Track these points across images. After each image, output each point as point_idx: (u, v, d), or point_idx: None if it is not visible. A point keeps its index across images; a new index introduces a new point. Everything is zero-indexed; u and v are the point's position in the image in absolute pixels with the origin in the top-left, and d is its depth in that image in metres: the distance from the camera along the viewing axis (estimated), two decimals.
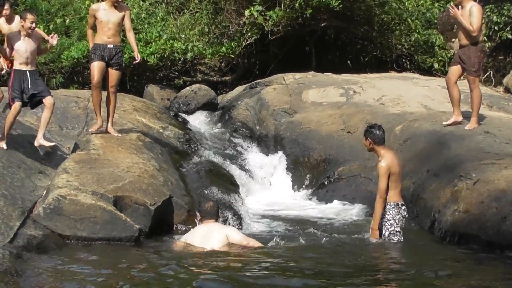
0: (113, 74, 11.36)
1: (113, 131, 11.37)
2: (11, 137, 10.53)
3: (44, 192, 9.29)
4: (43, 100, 10.31)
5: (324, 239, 9.04)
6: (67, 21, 19.91)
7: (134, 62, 11.70)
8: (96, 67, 11.23)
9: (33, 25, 10.40)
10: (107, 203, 8.97)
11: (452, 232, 8.94)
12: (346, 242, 8.99)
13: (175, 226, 9.66)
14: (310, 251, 8.55)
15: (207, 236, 8.44)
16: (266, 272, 7.35)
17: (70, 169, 9.69)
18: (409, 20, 20.13)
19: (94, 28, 11.54)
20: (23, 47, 10.36)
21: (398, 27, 20.47)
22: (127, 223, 8.85)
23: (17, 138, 10.58)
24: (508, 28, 17.45)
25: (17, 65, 10.36)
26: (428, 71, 19.59)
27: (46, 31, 19.16)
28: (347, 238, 9.17)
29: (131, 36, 11.59)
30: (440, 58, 19.82)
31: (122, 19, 11.34)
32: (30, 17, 10.36)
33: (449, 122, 11.37)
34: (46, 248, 8.16)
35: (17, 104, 10.17)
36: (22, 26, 10.37)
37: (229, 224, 9.83)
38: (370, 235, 8.89)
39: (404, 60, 20.95)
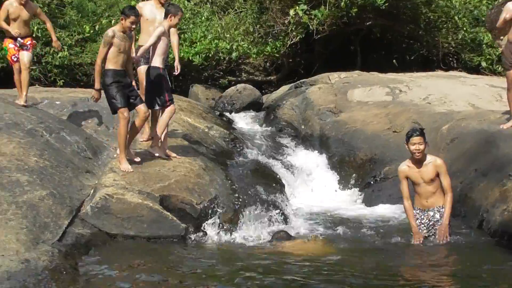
0: None
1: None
2: (59, 137, 10.64)
3: (92, 191, 9.36)
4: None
5: (375, 241, 9.00)
6: (113, 21, 20.04)
7: (173, 73, 10.77)
8: (143, 71, 10.69)
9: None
10: (154, 202, 9.01)
11: (501, 232, 8.83)
12: (394, 243, 8.93)
13: (221, 225, 9.67)
14: (356, 252, 8.51)
15: None
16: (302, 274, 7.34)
17: (117, 168, 9.76)
18: (456, 18, 19.94)
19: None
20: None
21: (445, 25, 20.31)
22: (174, 222, 8.90)
23: (65, 138, 10.67)
24: None
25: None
26: (475, 70, 19.41)
27: (92, 31, 19.40)
28: (395, 239, 9.10)
29: (174, 41, 10.80)
30: (488, 57, 19.62)
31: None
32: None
33: (509, 124, 10.96)
34: (94, 246, 8.24)
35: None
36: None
37: (273, 223, 9.84)
38: (443, 232, 8.78)
39: (450, 59, 20.79)
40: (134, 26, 9.71)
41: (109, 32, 9.67)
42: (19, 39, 11.56)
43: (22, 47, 11.61)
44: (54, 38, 12.09)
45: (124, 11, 9.73)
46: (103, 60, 9.68)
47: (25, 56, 11.62)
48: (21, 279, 6.71)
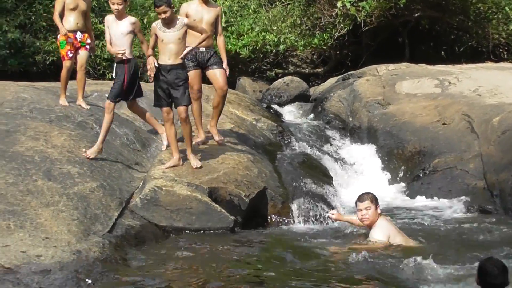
0: (217, 73, 10.38)
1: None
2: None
3: (141, 183, 9.43)
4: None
5: (424, 234, 8.94)
6: None
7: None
8: (192, 76, 10.16)
9: (115, 6, 9.45)
10: (203, 194, 9.05)
11: None
12: (445, 236, 8.87)
13: (269, 217, 9.68)
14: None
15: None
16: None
17: (166, 160, 9.81)
18: (507, 9, 19.65)
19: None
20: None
21: (495, 16, 20.05)
22: (222, 214, 8.92)
23: (115, 130, 10.76)
24: None
25: None
26: None
27: (141, 25, 19.50)
28: (445, 233, 9.04)
29: (221, 42, 10.65)
30: None
31: (216, 18, 10.45)
32: None
33: None
34: (144, 238, 8.30)
35: None
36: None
37: (321, 216, 9.83)
38: None
39: (501, 50, 20.52)
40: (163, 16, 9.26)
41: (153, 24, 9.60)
42: (78, 32, 11.09)
43: (81, 43, 11.15)
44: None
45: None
46: None
47: (83, 56, 11.25)
48: (72, 270, 6.78)
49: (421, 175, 11.88)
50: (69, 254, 7.05)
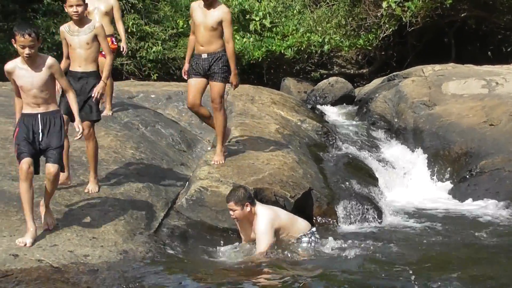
0: (215, 86, 9.58)
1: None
2: (154, 130, 10.79)
3: (187, 184, 9.46)
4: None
5: (470, 236, 8.86)
6: None
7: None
8: (191, 85, 9.70)
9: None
10: None
11: None
12: (495, 241, 8.77)
13: (314, 218, 9.64)
14: (452, 250, 8.39)
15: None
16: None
17: (211, 161, 9.83)
18: None
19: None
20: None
21: None
22: None
23: (160, 131, 10.81)
24: None
25: None
26: None
27: (185, 26, 19.64)
28: (494, 237, 8.93)
29: (229, 49, 9.46)
30: None
31: (219, 23, 9.37)
32: None
33: None
34: (190, 238, 8.32)
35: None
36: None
37: (367, 217, 9.79)
38: None
39: None
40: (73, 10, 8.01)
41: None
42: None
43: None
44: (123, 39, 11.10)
45: None
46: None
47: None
48: (119, 269, 6.84)
49: (467, 176, 11.76)
50: (116, 254, 7.11)
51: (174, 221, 8.56)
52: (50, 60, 7.04)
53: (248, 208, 7.91)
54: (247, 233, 8.14)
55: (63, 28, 8.17)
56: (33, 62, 6.94)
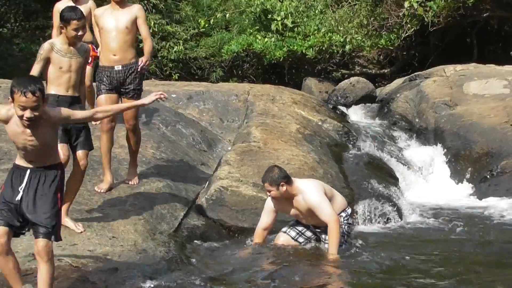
0: None
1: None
2: (175, 130, 10.83)
3: (207, 183, 9.49)
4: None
5: (502, 240, 8.82)
6: (227, 15, 20.29)
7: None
8: (102, 102, 8.33)
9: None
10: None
11: None
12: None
13: None
14: (472, 250, 8.37)
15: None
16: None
17: (232, 161, 9.86)
18: None
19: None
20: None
21: None
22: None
23: (181, 131, 10.85)
24: None
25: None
26: None
27: (207, 26, 19.69)
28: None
29: (147, 46, 8.50)
30: None
31: (133, 22, 8.36)
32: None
33: None
34: (209, 238, 8.36)
35: None
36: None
37: (387, 217, 9.78)
38: None
39: None
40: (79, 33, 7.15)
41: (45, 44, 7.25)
42: None
43: None
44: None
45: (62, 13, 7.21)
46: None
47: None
48: (139, 269, 6.85)
49: (488, 176, 11.72)
50: (135, 253, 7.14)
51: (194, 220, 8.59)
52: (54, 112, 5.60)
53: (284, 188, 7.76)
54: (287, 210, 8.01)
55: (49, 45, 7.13)
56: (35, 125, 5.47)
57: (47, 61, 7.09)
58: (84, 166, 7.35)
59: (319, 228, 7.93)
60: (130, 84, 8.36)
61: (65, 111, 5.68)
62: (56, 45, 7.09)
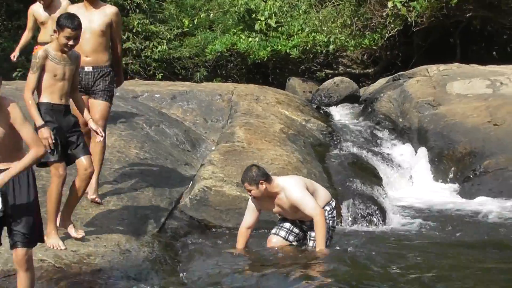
0: (98, 106, 7.93)
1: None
2: (158, 130, 10.81)
3: (190, 184, 9.48)
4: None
5: (474, 236, 8.86)
6: (211, 15, 20.28)
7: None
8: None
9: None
10: None
11: None
12: (499, 240, 8.77)
13: None
14: (455, 249, 8.39)
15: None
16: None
17: (216, 161, 9.86)
18: None
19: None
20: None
21: None
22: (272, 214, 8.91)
23: (165, 130, 10.83)
24: None
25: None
26: None
27: (191, 25, 19.67)
28: (498, 236, 8.93)
29: (117, 53, 8.21)
30: None
31: (109, 25, 7.97)
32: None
33: None
34: (193, 238, 8.35)
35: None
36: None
37: (370, 216, 9.80)
38: None
39: None
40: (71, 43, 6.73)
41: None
42: None
43: None
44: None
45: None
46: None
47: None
48: (122, 269, 6.83)
49: (471, 176, 11.77)
50: (119, 254, 7.11)
51: (178, 221, 8.59)
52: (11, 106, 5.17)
53: (264, 186, 7.64)
54: (270, 208, 7.91)
55: (44, 52, 6.77)
56: None
57: (42, 69, 6.74)
58: (92, 172, 7.01)
59: (305, 224, 7.92)
60: (99, 85, 7.90)
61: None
62: (50, 53, 6.75)
